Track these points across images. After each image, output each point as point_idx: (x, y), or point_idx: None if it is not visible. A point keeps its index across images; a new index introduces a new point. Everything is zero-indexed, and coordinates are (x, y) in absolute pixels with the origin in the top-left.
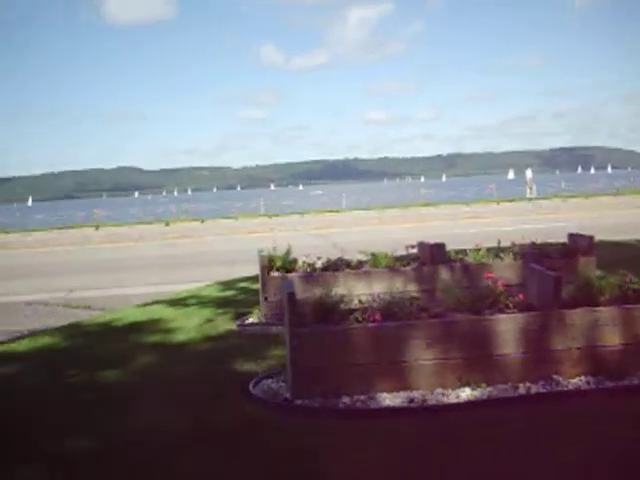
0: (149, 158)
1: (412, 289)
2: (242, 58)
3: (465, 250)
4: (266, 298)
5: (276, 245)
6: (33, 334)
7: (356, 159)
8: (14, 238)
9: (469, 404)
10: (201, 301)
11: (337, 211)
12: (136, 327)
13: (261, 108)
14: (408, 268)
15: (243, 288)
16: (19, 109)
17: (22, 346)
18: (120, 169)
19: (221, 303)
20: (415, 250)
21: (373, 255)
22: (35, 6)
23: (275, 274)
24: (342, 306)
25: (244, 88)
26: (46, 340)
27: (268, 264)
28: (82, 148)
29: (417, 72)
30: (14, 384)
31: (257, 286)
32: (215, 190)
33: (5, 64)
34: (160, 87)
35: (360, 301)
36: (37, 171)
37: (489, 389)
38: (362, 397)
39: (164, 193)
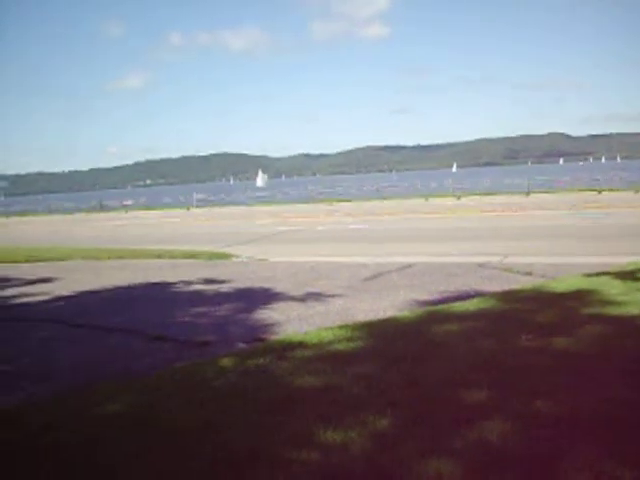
0: (577, 124)
1: None
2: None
3: None
4: None
5: None
6: (482, 295)
7: None
8: (450, 202)
9: None
10: None
11: None
12: (581, 296)
13: None
14: None
15: None
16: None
17: (472, 305)
18: (549, 135)
19: None
20: None
21: None
22: None
23: None
24: None
25: None
26: (492, 302)
27: None
28: (513, 115)
29: None
30: (466, 340)
31: None
32: None
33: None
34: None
35: None
36: (470, 137)
37: None
38: None
39: (590, 160)
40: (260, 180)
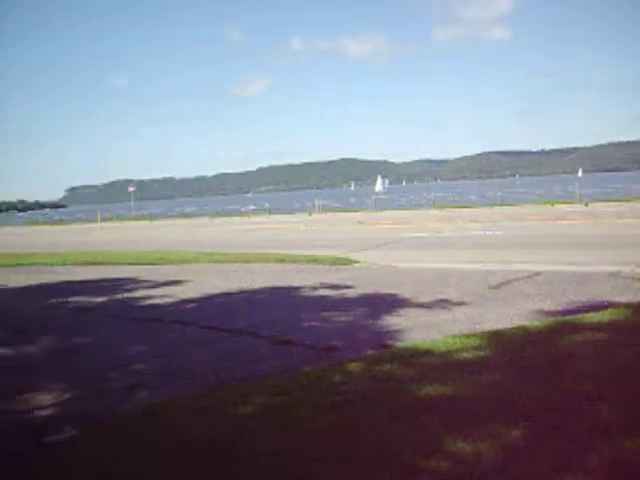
0: None
1: None
2: None
3: None
4: None
5: None
6: (614, 306)
7: None
8: (577, 208)
9: None
10: None
11: None
12: None
13: None
14: None
15: None
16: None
17: (605, 317)
18: None
19: None
20: None
21: None
22: None
23: None
24: None
25: None
26: (627, 313)
27: None
28: None
29: None
30: (600, 352)
31: None
32: None
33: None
34: None
35: None
36: (597, 142)
37: None
38: None
39: None
40: (379, 185)
